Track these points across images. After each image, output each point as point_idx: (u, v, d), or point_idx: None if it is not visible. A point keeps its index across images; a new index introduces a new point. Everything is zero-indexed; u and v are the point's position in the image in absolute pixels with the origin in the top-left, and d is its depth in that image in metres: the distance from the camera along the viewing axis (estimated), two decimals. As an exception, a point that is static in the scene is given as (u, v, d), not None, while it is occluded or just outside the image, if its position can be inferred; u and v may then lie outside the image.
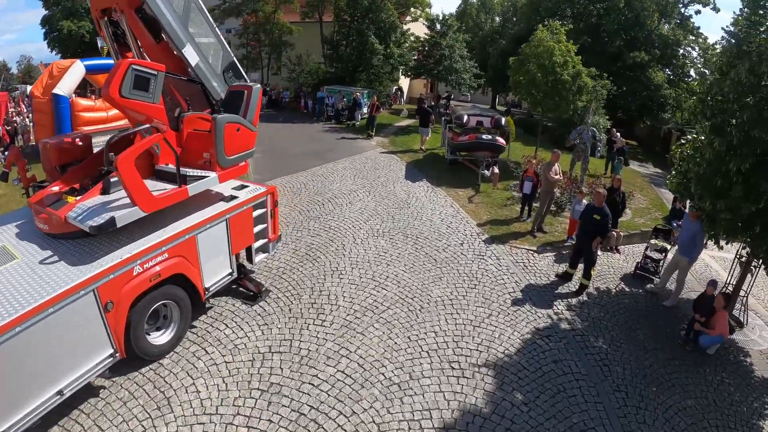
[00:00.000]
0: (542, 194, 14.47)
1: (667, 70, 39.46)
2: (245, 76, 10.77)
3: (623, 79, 34.60)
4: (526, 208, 15.56)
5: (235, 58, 10.45)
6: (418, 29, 36.39)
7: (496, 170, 17.74)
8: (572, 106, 21.69)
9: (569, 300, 11.50)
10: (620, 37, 36.08)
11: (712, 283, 10.86)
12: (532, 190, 15.06)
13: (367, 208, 15.65)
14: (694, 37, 38.32)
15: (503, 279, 11.94)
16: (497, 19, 58.75)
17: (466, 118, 19.65)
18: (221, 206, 9.33)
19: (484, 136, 18.90)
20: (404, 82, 45.39)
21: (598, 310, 11.29)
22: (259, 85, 9.86)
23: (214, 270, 9.33)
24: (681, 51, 38.73)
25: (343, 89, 32.85)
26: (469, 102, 58.31)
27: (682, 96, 38.06)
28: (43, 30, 62.51)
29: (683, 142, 11.80)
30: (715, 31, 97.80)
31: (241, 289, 10.67)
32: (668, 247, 13.51)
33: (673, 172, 12.00)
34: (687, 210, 15.50)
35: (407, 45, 33.51)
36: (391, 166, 20.70)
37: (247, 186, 10.55)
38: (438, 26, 30.71)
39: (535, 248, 13.80)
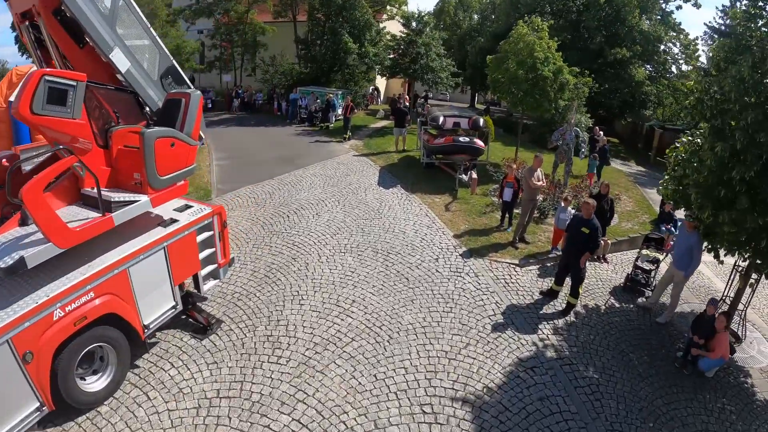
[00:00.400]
0: (524, 202, 13.36)
1: (648, 66, 38.78)
2: (188, 81, 9.54)
3: (604, 76, 33.80)
4: (507, 216, 14.43)
5: (175, 62, 9.22)
6: (395, 28, 35.22)
7: (474, 175, 16.61)
8: (554, 104, 20.66)
9: (555, 321, 10.42)
10: (601, 33, 35.25)
11: (713, 303, 9.84)
12: (512, 197, 13.95)
13: (335, 220, 14.44)
14: (675, 33, 37.61)
15: (482, 300, 10.80)
16: (475, 17, 57.87)
17: (441, 119, 18.53)
18: (158, 233, 8.11)
19: (461, 139, 17.80)
20: (382, 82, 44.20)
21: (588, 332, 10.23)
22: (198, 92, 8.64)
23: (154, 305, 8.16)
24: (662, 47, 38.02)
25: (316, 90, 31.59)
26: (448, 101, 57.51)
27: (663, 92, 37.50)
28: (14, 34, 60.53)
29: (677, 144, 10.73)
30: (696, 27, 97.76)
31: (190, 319, 9.41)
32: (661, 257, 12.49)
33: (666, 177, 10.98)
34: (682, 218, 14.53)
35: (383, 44, 32.23)
36: (363, 171, 19.50)
37: (191, 206, 9.27)
38: (414, 24, 29.43)
39: (517, 261, 12.70)
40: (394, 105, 32.07)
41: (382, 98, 43.77)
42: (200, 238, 8.95)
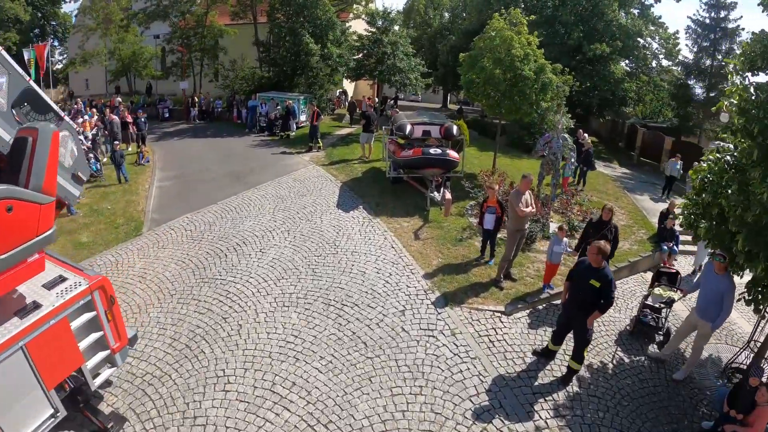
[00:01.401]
0: (510, 232, 10.87)
1: (625, 62, 36.75)
2: (55, 108, 6.88)
3: (583, 73, 31.64)
4: (489, 246, 11.95)
5: (33, 83, 6.56)
6: (362, 27, 32.54)
7: (448, 195, 14.03)
8: (535, 107, 18.27)
9: (555, 396, 7.99)
10: (578, 29, 33.00)
11: (757, 372, 7.49)
12: (495, 224, 11.46)
13: (281, 259, 11.81)
14: (654, 27, 35.59)
15: (461, 371, 8.29)
16: (446, 14, 55.48)
17: (409, 127, 15.97)
18: (11, 328, 5.51)
19: (432, 151, 15.25)
20: (351, 86, 41.46)
21: (595, 407, 7.85)
22: (51, 126, 5.93)
23: (21, 420, 5.68)
24: (642, 42, 36.00)
25: (277, 96, 28.83)
26: (419, 102, 55.00)
27: (644, 89, 35.44)
28: (-34, 43, 56.71)
29: (702, 163, 8.36)
30: (672, 23, 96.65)
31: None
32: (676, 297, 10.12)
33: (686, 202, 8.64)
34: (688, 238, 12.29)
35: (347, 44, 29.51)
36: (322, 190, 16.87)
37: (65, 279, 6.60)
38: (380, 22, 26.67)
39: (502, 308, 10.23)
40: (353, 110, 29.70)
41: (351, 100, 41.12)
42: (77, 323, 6.37)
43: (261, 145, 24.36)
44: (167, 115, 34.24)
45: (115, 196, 16.75)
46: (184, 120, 33.50)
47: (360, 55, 27.90)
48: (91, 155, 18.79)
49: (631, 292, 12.13)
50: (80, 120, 20.90)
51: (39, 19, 55.65)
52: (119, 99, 37.37)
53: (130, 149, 22.57)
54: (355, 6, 32.85)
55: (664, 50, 35.87)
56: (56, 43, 58.77)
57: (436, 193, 14.68)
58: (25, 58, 42.90)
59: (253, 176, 18.47)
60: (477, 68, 18.21)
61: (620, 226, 15.86)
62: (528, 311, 10.35)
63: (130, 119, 23.06)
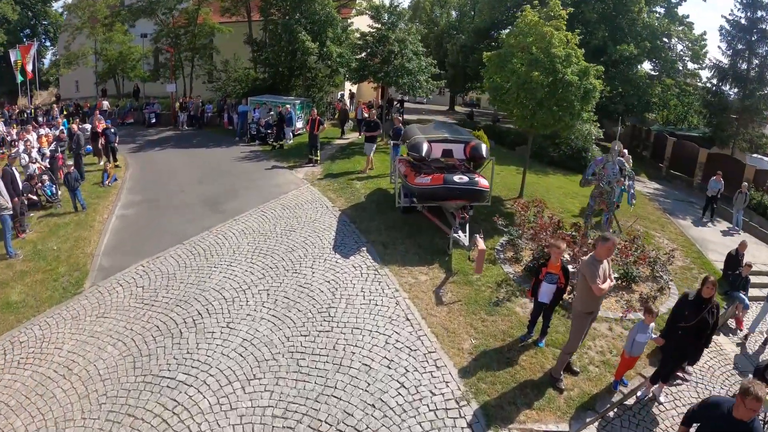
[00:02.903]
0: (577, 314, 7.39)
1: (648, 64, 33.25)
2: None
3: (608, 76, 28.07)
4: (541, 321, 8.55)
5: None
6: (365, 24, 28.97)
7: (481, 244, 10.31)
8: (575, 119, 14.98)
9: None
10: (602, 28, 29.44)
11: None
12: (554, 297, 8.05)
13: (255, 341, 8.38)
14: (681, 27, 32.01)
15: None
16: (453, 13, 51.98)
17: (426, 147, 12.38)
18: None
19: (457, 179, 11.74)
20: (353, 88, 37.77)
21: None
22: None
23: None
24: (669, 43, 32.50)
25: (270, 100, 25.35)
26: (424, 104, 51.12)
27: (668, 93, 31.87)
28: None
29: None
30: (700, 23, 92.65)
31: None
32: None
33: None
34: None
35: (348, 43, 25.90)
36: (316, 222, 13.43)
37: None
38: (386, 16, 22.95)
39: (566, 428, 6.84)
40: (345, 118, 26.29)
41: (353, 105, 37.52)
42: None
43: (250, 158, 20.88)
44: (154, 120, 30.78)
45: (67, 230, 13.36)
46: (172, 126, 30.10)
47: (363, 55, 24.22)
48: (46, 177, 15.45)
49: (709, 371, 8.84)
50: (34, 135, 17.56)
51: (29, 18, 52.23)
52: (106, 102, 34.09)
53: (102, 164, 19.17)
54: (358, 1, 29.10)
55: (690, 52, 32.28)
56: (48, 43, 55.33)
57: (461, 233, 11.25)
58: (12, 59, 39.67)
59: (234, 201, 15.04)
60: (507, 70, 14.80)
61: (677, 268, 12.58)
62: (596, 421, 7.00)
63: (100, 128, 19.59)
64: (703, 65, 32.23)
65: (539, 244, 11.25)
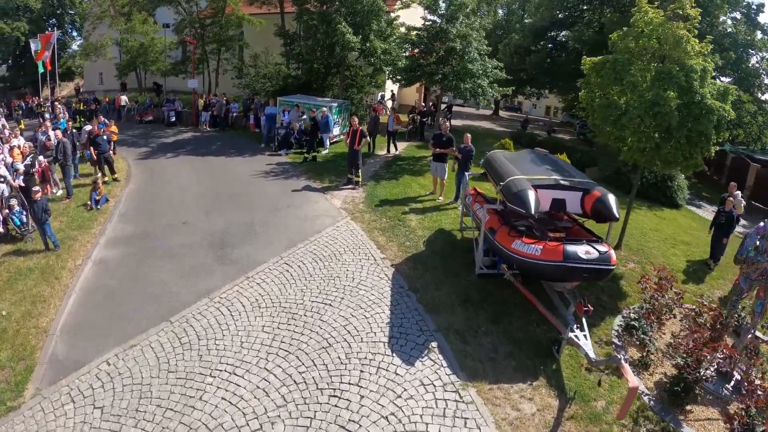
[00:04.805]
0: None
1: (722, 78, 28.32)
2: None
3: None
4: None
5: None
6: (411, 19, 24.72)
7: (631, 377, 6.12)
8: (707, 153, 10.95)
9: None
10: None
11: None
12: None
13: None
14: (762, 37, 27.23)
15: None
16: (500, 12, 47.48)
17: (534, 200, 8.04)
18: None
19: (582, 253, 7.62)
20: (395, 88, 33.44)
21: None
22: None
23: None
24: (749, 53, 27.78)
25: (303, 102, 21.41)
26: (464, 106, 46.27)
27: (743, 110, 26.88)
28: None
29: None
30: None
31: None
32: None
33: None
34: None
35: (395, 38, 21.72)
36: (361, 288, 9.44)
37: None
38: (442, 5, 18.44)
39: None
40: (375, 127, 20.08)
41: (395, 106, 33.27)
42: None
43: (275, 173, 16.94)
44: (173, 118, 27.24)
45: (27, 281, 9.74)
46: (193, 126, 26.50)
47: (415, 52, 19.89)
48: (15, 201, 11.78)
49: None
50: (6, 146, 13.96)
51: (54, 7, 49.34)
52: (124, 97, 30.76)
53: (101, 178, 15.53)
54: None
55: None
56: (75, 34, 52.45)
57: (582, 338, 7.19)
58: (32, 49, 36.73)
59: (249, 244, 11.12)
60: (626, 84, 10.61)
61: None
62: None
63: (96, 131, 15.89)
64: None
65: (682, 348, 7.49)
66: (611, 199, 8.37)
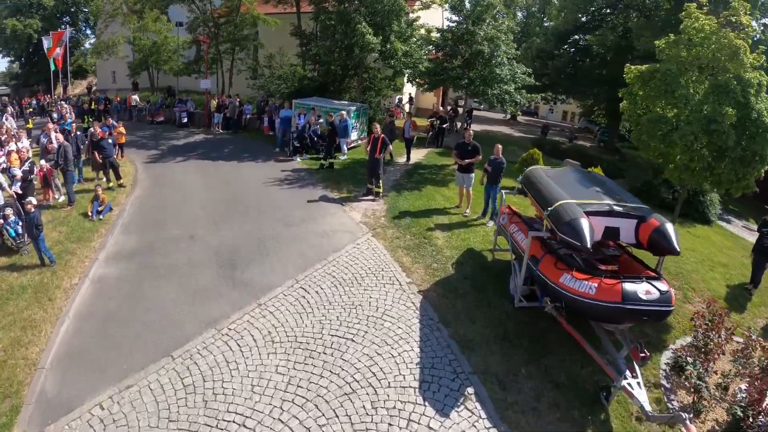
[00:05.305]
0: None
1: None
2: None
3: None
4: None
5: None
6: (429, 20, 23.68)
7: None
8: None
9: None
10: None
11: None
12: None
13: None
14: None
15: None
16: (519, 14, 46.36)
17: (588, 230, 6.95)
18: None
19: (642, 293, 6.58)
20: (413, 91, 32.34)
21: None
22: None
23: None
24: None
25: (319, 105, 20.46)
26: (480, 110, 44.97)
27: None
28: (-8, 30, 50.87)
29: None
30: None
31: None
32: None
33: None
34: None
35: (416, 40, 20.62)
36: (386, 320, 8.45)
37: None
38: (467, 5, 17.18)
39: None
40: (392, 133, 18.44)
41: (413, 110, 32.22)
42: None
43: (290, 181, 15.98)
44: (185, 119, 26.39)
45: (19, 302, 8.86)
46: (205, 127, 25.63)
47: (439, 55, 18.70)
48: (10, 210, 10.90)
49: None
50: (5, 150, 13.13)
51: (68, 4, 48.85)
52: (135, 97, 29.97)
53: (106, 184, 14.71)
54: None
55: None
56: (89, 32, 51.93)
57: (637, 388, 6.27)
58: (44, 46, 36.16)
59: (262, 263, 10.14)
60: (678, 98, 9.56)
61: None
62: None
63: (100, 134, 15.01)
64: None
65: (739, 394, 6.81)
66: (671, 229, 7.28)
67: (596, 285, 6.70)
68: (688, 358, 7.73)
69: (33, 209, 9.77)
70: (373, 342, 7.71)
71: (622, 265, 7.90)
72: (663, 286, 6.78)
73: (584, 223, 6.92)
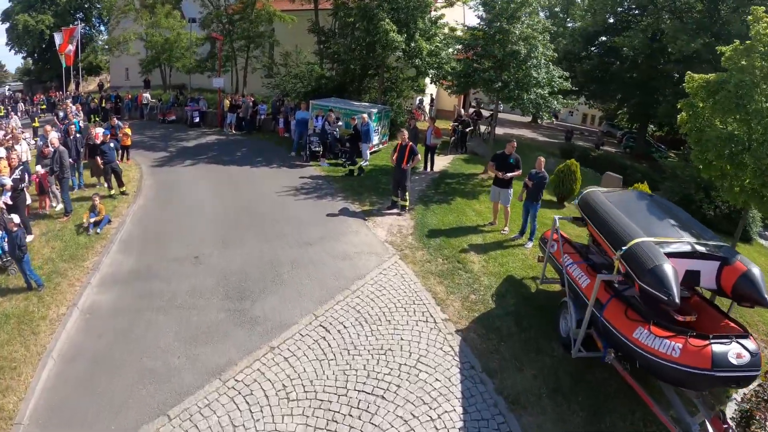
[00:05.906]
0: None
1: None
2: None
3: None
4: None
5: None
6: (453, 18, 22.32)
7: None
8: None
9: None
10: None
11: None
12: None
13: None
14: None
15: None
16: (541, 15, 44.71)
17: (673, 276, 5.59)
18: None
19: (733, 357, 5.29)
20: (434, 92, 30.96)
21: None
22: None
23: None
24: None
25: (339, 106, 19.22)
26: (499, 112, 43.14)
27: None
28: (5, 26, 50.42)
29: None
30: None
31: None
32: None
33: None
34: None
35: (441, 39, 19.20)
36: (420, 370, 7.15)
37: None
38: (498, 3, 15.60)
39: None
40: (415, 137, 15.72)
41: (433, 111, 30.82)
42: None
43: (306, 191, 14.72)
44: (197, 119, 25.32)
45: (1, 333, 7.66)
46: (217, 128, 24.55)
47: (470, 55, 17.24)
48: (-4, 225, 9.75)
49: None
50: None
51: (81, 0, 48.15)
52: (147, 95, 28.98)
53: (107, 191, 13.57)
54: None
55: None
56: (102, 28, 51.20)
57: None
58: (56, 42, 35.37)
59: (275, 294, 8.87)
60: (753, 113, 8.19)
61: None
62: None
63: (99, 140, 13.89)
64: None
65: None
66: (760, 277, 5.93)
67: (681, 346, 5.40)
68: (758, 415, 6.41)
69: (15, 228, 8.60)
70: (407, 400, 6.42)
71: (699, 312, 6.57)
72: (752, 345, 5.52)
73: (671, 271, 5.58)
